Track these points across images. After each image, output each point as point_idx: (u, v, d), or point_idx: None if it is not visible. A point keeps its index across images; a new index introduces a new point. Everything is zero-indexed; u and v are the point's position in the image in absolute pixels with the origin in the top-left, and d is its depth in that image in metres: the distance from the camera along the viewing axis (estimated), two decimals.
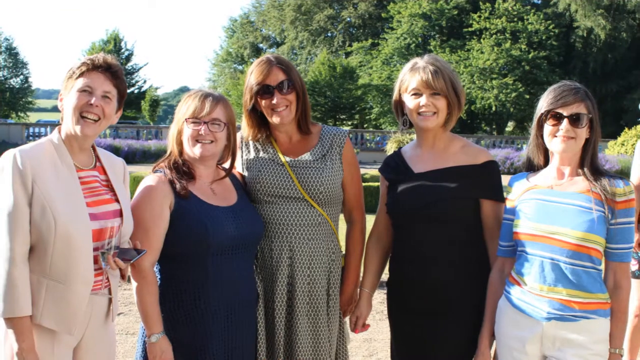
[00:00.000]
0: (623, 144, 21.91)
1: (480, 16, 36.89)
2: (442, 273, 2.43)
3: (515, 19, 36.45)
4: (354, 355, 4.42)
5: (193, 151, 2.39)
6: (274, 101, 2.51)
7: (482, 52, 35.83)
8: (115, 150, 20.24)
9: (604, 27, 35.21)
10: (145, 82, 45.07)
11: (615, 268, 2.21)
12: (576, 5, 36.08)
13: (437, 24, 38.50)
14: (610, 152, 22.18)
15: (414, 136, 2.67)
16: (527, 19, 36.26)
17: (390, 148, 17.27)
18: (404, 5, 38.88)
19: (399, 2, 39.42)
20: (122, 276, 2.27)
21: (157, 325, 2.27)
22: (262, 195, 2.55)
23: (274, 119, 2.55)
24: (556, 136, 2.22)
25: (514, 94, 34.59)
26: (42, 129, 27.30)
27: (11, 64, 43.54)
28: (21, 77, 44.34)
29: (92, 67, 2.18)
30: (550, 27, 35.86)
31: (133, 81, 43.08)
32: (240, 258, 2.41)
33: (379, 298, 4.65)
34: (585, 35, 36.28)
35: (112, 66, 2.21)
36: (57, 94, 2.28)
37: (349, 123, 39.86)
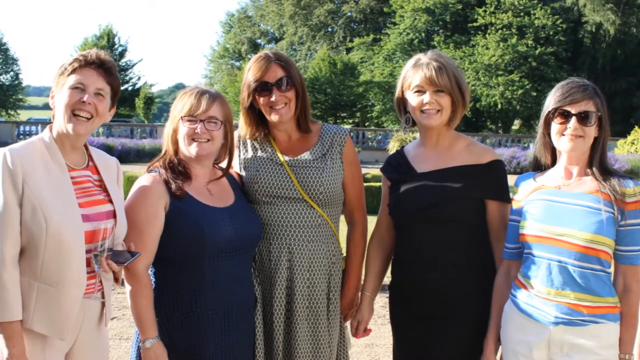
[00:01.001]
0: (633, 143, 21.81)
1: (485, 11, 36.72)
2: (445, 275, 2.39)
3: (522, 14, 36.26)
4: None
5: (189, 150, 2.35)
6: (273, 98, 2.46)
7: (487, 48, 35.68)
8: (109, 149, 20.09)
9: (613, 22, 34.98)
10: (139, 79, 44.44)
11: (625, 271, 2.17)
12: (584, 0, 35.85)
13: (441, 18, 38.33)
14: (620, 151, 22.07)
15: (417, 135, 2.64)
16: (534, 14, 36.06)
17: (393, 147, 17.27)
18: (406, 0, 38.73)
19: None
20: (116, 279, 2.25)
21: (151, 330, 2.23)
22: (261, 195, 2.51)
23: (273, 117, 2.50)
24: (564, 135, 2.19)
25: (520, 91, 34.44)
26: (33, 128, 26.87)
27: (1, 60, 43.38)
28: (11, 73, 44.28)
29: (85, 64, 2.14)
30: (558, 22, 35.65)
31: (127, 78, 42.47)
32: (237, 260, 2.37)
33: (381, 302, 4.60)
34: (594, 30, 36.04)
35: (105, 62, 2.18)
36: (48, 91, 2.25)
37: (350, 121, 39.78)
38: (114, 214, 2.18)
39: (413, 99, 2.44)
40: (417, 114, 2.45)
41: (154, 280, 2.33)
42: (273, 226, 2.49)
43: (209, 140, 2.34)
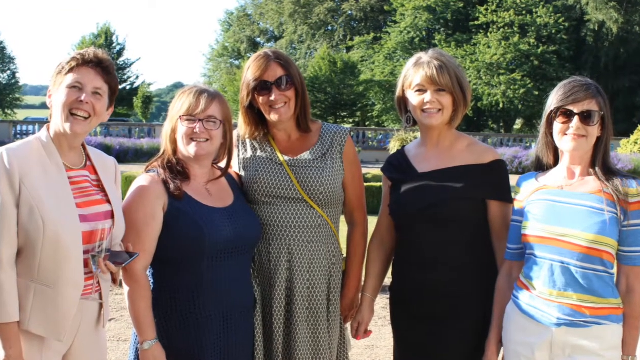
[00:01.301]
0: (636, 142, 21.79)
1: (487, 9, 36.64)
2: (446, 276, 2.38)
3: (524, 12, 36.16)
4: None
5: (187, 150, 2.33)
6: (272, 98, 2.45)
7: (489, 47, 35.61)
8: (107, 149, 19.92)
9: (616, 21, 34.86)
10: (137, 77, 44.14)
11: (628, 272, 2.15)
12: None
13: (442, 17, 38.24)
14: (623, 151, 22.04)
15: (418, 134, 2.62)
16: (536, 12, 35.96)
17: (393, 147, 17.16)
18: None
19: None
20: (114, 280, 2.22)
21: (149, 332, 2.21)
22: (260, 195, 2.49)
23: (272, 117, 2.48)
24: (566, 134, 2.17)
25: (522, 90, 34.35)
26: (30, 127, 26.69)
27: None
28: (8, 72, 44.13)
29: (82, 62, 2.12)
30: (560, 20, 35.56)
31: (125, 77, 42.18)
32: (236, 261, 2.35)
33: (382, 303, 4.58)
34: (596, 28, 35.94)
35: (103, 61, 2.16)
36: (45, 91, 2.23)
37: (350, 120, 39.67)
38: (112, 214, 2.17)
39: (414, 98, 2.43)
40: (418, 113, 2.43)
41: (152, 281, 2.31)
42: (272, 227, 2.47)
43: (207, 139, 2.32)
